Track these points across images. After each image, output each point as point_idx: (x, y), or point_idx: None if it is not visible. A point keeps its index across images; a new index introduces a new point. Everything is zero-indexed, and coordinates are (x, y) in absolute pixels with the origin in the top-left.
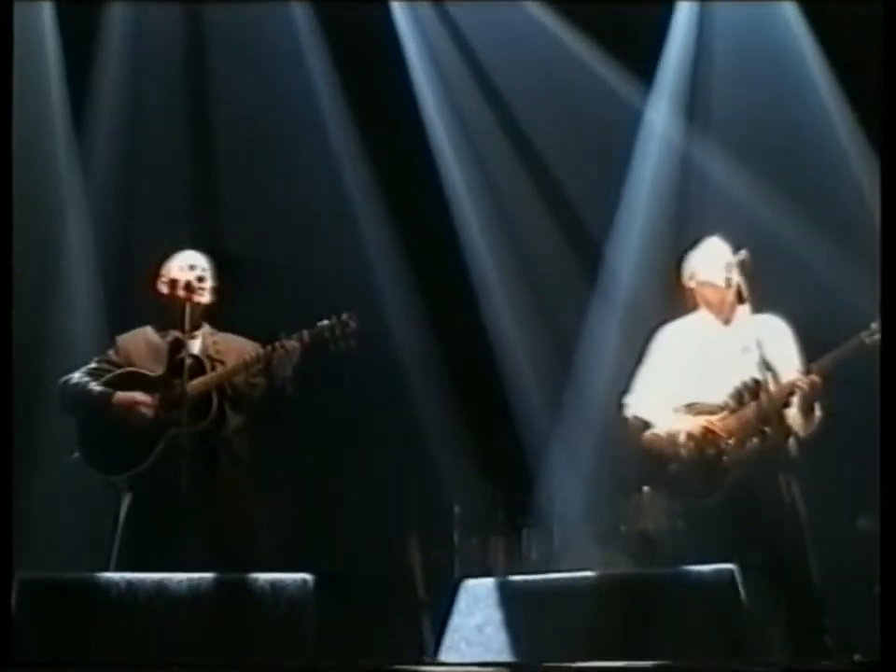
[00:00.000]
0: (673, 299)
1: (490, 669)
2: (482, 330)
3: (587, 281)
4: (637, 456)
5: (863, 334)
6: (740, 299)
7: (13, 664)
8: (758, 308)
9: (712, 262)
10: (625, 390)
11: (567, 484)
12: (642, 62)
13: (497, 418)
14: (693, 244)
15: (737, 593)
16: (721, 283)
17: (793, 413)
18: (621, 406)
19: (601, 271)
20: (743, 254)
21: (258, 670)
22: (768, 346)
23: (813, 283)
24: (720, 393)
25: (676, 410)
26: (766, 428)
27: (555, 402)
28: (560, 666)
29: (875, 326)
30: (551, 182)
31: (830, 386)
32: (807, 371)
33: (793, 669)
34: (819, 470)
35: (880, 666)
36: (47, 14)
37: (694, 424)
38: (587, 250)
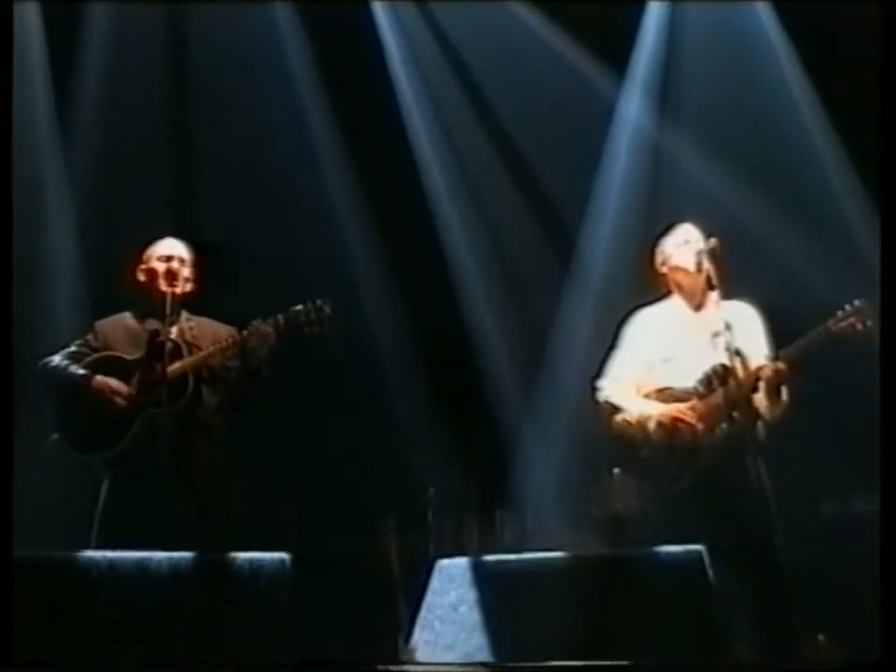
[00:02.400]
0: (646, 284)
1: (468, 669)
2: (458, 318)
3: (561, 268)
4: (609, 440)
5: (830, 322)
6: (710, 285)
7: (13, 664)
8: (728, 294)
9: (684, 248)
10: (597, 375)
11: (539, 467)
12: (616, 55)
13: (472, 404)
14: (666, 231)
15: (706, 573)
16: (693, 268)
17: (761, 399)
18: (593, 391)
19: (575, 258)
20: (713, 241)
21: (247, 668)
22: (737, 332)
23: (782, 271)
24: (690, 378)
25: (647, 395)
26: (735, 413)
27: (529, 388)
28: (536, 666)
29: (840, 314)
30: (526, 173)
31: (797, 373)
32: (775, 358)
33: (793, 669)
34: (786, 453)
35: (880, 666)
36: (31, 8)
37: (664, 410)
38: (562, 238)
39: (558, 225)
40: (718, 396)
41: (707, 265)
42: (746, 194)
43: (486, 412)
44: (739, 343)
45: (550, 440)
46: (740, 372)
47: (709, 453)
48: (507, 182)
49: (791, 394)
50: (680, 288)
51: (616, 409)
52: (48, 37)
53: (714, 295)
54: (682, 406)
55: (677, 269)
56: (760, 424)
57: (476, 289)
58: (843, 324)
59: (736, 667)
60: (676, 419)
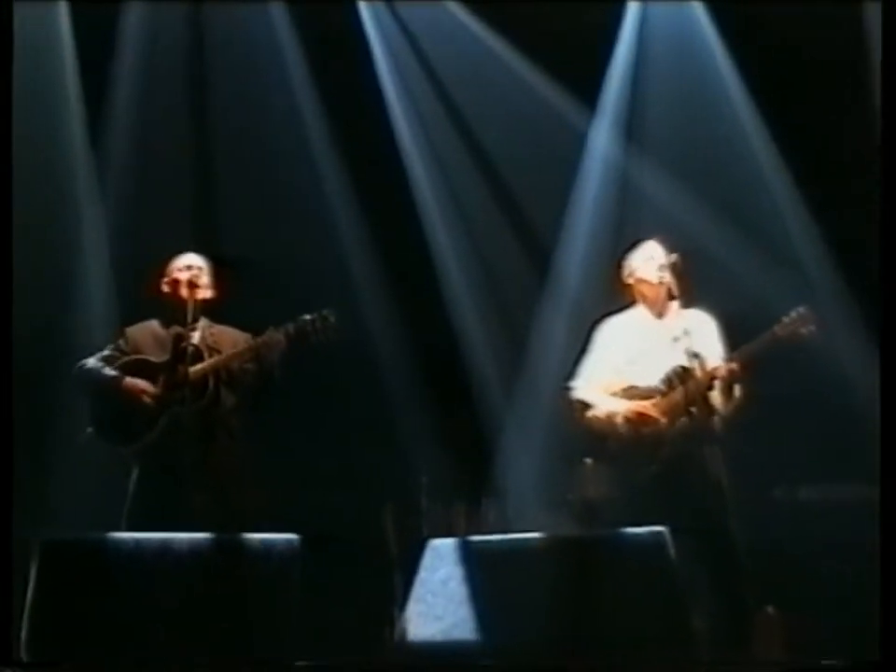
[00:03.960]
0: (614, 295)
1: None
2: (448, 326)
3: (540, 282)
4: (581, 434)
5: (776, 328)
6: (671, 295)
7: (13, 663)
8: (687, 304)
9: (648, 263)
10: (571, 376)
11: (520, 457)
12: (586, 86)
13: (461, 402)
14: (632, 247)
15: (668, 552)
16: (656, 280)
17: (716, 396)
18: (567, 390)
19: (552, 273)
20: (674, 256)
21: (249, 666)
22: (695, 337)
23: (735, 282)
24: (653, 378)
25: (614, 393)
26: (693, 409)
27: (511, 388)
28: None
29: (785, 320)
30: (507, 194)
31: (748, 372)
32: (728, 360)
33: (793, 669)
34: (741, 444)
35: (880, 666)
36: (63, 21)
37: (630, 407)
38: (540, 256)
39: (537, 244)
40: (678, 393)
41: (668, 278)
42: (703, 214)
43: (474, 409)
44: (697, 347)
45: (529, 433)
46: (698, 373)
47: (671, 444)
48: (492, 206)
49: (743, 391)
50: (645, 299)
51: (587, 406)
52: (79, 52)
53: (675, 304)
54: (646, 403)
55: (642, 281)
56: (715, 418)
57: (465, 301)
58: (787, 329)
59: (736, 668)
60: (640, 414)
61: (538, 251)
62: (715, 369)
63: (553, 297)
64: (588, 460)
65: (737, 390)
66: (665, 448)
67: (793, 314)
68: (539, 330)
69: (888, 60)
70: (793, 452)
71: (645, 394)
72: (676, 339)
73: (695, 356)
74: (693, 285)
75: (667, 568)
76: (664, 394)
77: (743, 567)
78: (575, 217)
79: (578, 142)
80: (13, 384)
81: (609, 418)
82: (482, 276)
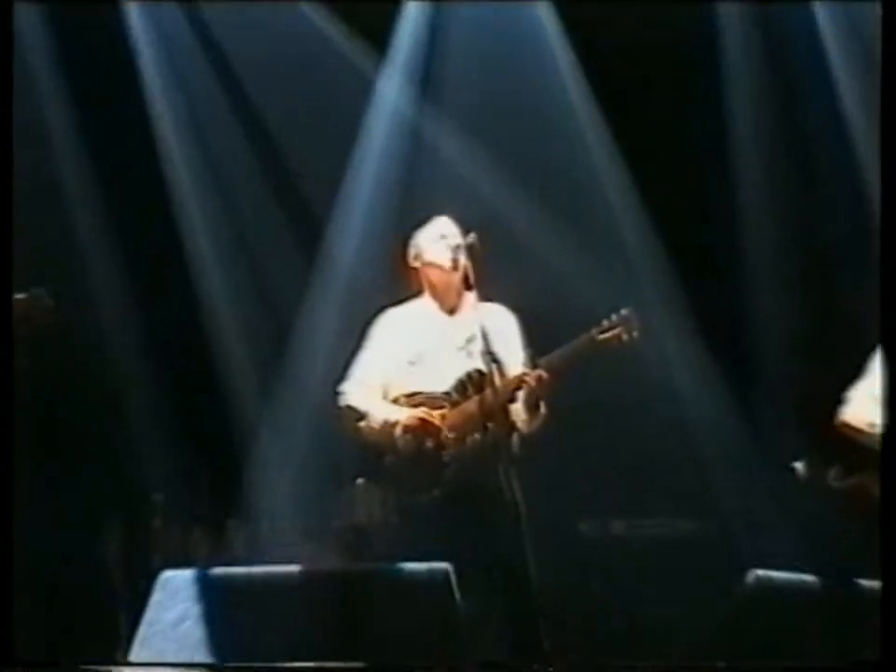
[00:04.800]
0: (397, 281)
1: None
2: (196, 313)
3: (306, 258)
4: (352, 448)
5: (594, 331)
6: (467, 284)
7: (13, 663)
8: (485, 296)
9: (439, 243)
10: (341, 378)
11: (276, 473)
12: (378, 34)
13: (204, 402)
14: (421, 224)
15: (451, 592)
16: (448, 264)
17: (518, 409)
18: (336, 395)
19: (322, 248)
20: (472, 237)
21: None
22: (494, 337)
23: (544, 275)
24: (442, 383)
25: (395, 400)
26: (489, 423)
27: (268, 387)
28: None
29: (606, 323)
30: (272, 155)
31: (559, 382)
32: (534, 366)
33: (792, 669)
34: (541, 467)
35: (880, 666)
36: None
37: (412, 415)
38: (309, 227)
39: (304, 211)
40: (472, 404)
41: (463, 262)
42: (510, 190)
43: (220, 411)
44: (497, 349)
45: (289, 444)
46: (497, 380)
47: (460, 463)
48: (251, 165)
49: (549, 405)
50: (433, 287)
51: (359, 414)
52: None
53: (470, 296)
54: (432, 412)
55: (431, 265)
56: (515, 435)
57: (218, 285)
58: (608, 334)
59: (736, 668)
60: (423, 423)
61: (306, 223)
62: (520, 376)
63: (322, 280)
64: (360, 480)
65: (542, 404)
66: (453, 468)
67: (615, 316)
68: (305, 320)
69: (888, 60)
70: (605, 477)
71: (432, 402)
72: (470, 338)
73: (494, 360)
74: (493, 274)
75: (451, 610)
76: (454, 403)
77: (541, 609)
78: (354, 184)
79: (363, 94)
80: (13, 384)
81: (387, 429)
82: (237, 251)
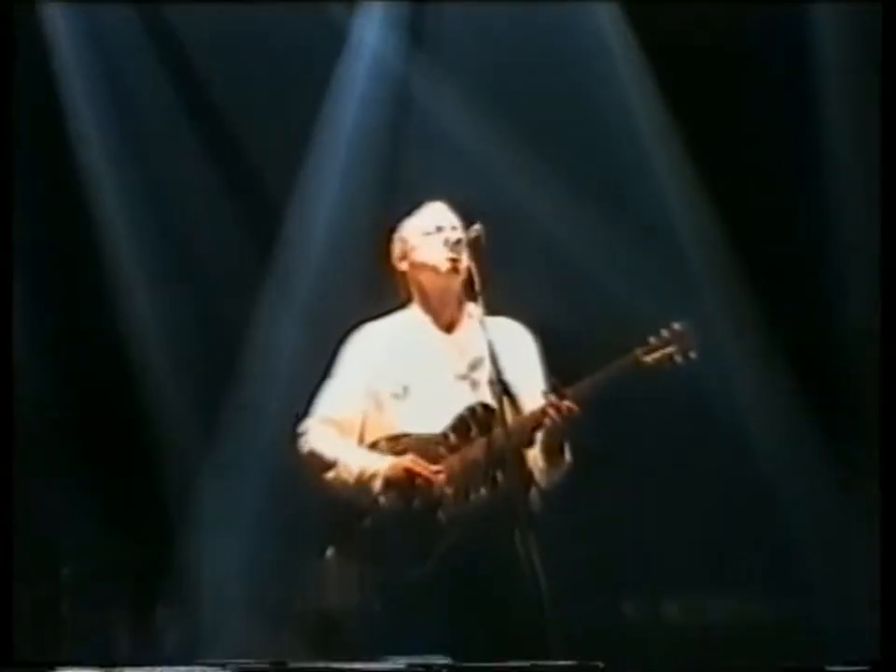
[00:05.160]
0: (377, 287)
1: None
2: (116, 322)
3: (260, 259)
4: (319, 507)
5: (638, 351)
6: (470, 292)
7: (13, 663)
8: (494, 308)
9: (434, 238)
10: (304, 414)
11: (221, 539)
12: None
13: (127, 445)
14: (410, 210)
15: None
16: (445, 265)
17: (536, 455)
18: (296, 436)
19: (280, 241)
20: (478, 229)
21: None
22: (506, 361)
23: (573, 280)
24: (436, 422)
25: (374, 444)
26: (499, 474)
27: (211, 426)
28: None
29: (654, 340)
30: (219, 123)
31: (587, 419)
32: (560, 397)
33: (793, 669)
34: (566, 530)
35: (880, 666)
36: None
37: (396, 465)
38: (263, 216)
39: (257, 196)
40: (477, 448)
41: (466, 263)
42: (530, 170)
43: (149, 456)
44: (509, 377)
45: (237, 501)
46: (509, 416)
47: (460, 528)
48: (185, 140)
49: (577, 448)
50: (426, 295)
51: (327, 462)
52: None
53: (474, 308)
54: (423, 462)
55: (423, 266)
56: (533, 490)
57: (138, 285)
58: (656, 354)
59: (735, 669)
60: (411, 473)
61: (259, 211)
62: (540, 411)
63: (279, 286)
64: (329, 550)
65: (567, 448)
66: (452, 534)
67: (666, 332)
68: (258, 339)
69: (888, 60)
70: (652, 545)
71: (423, 446)
72: (474, 362)
73: (506, 390)
74: (505, 278)
75: None
76: (453, 447)
77: None
78: (321, 160)
79: (332, 39)
80: (13, 384)
81: (363, 482)
82: (165, 248)
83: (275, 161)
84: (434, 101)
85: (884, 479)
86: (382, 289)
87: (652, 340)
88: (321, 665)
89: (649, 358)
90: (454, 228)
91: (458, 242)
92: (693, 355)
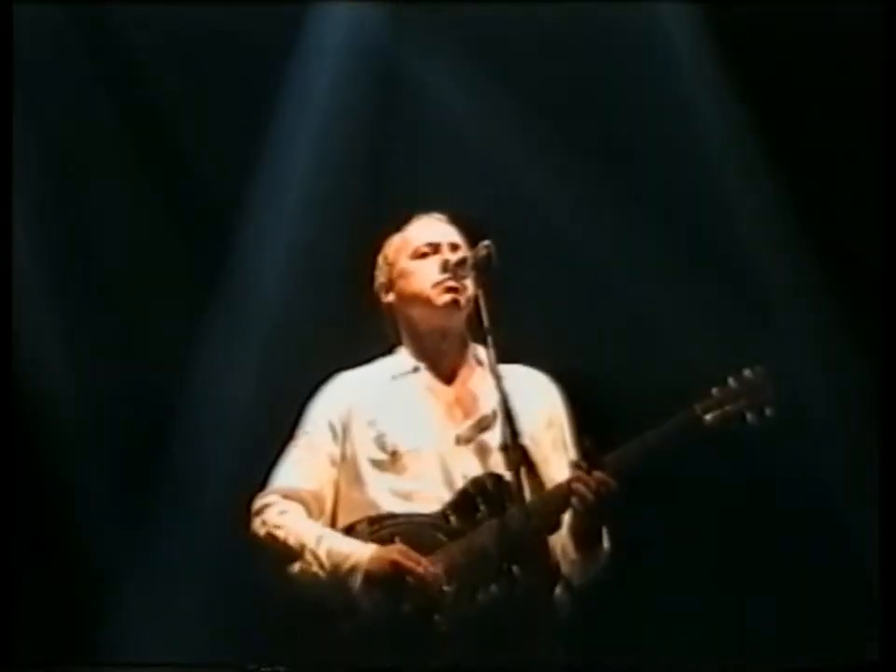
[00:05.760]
0: (356, 325)
1: None
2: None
3: (203, 287)
4: (281, 607)
5: (697, 408)
6: (479, 330)
7: (13, 663)
8: (509, 352)
9: (428, 260)
10: (262, 486)
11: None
12: None
13: (38, 522)
14: (397, 223)
15: None
16: (442, 298)
17: (566, 541)
18: (252, 514)
19: (231, 259)
20: (487, 245)
21: None
22: (524, 421)
23: (609, 314)
24: (432, 500)
25: (349, 528)
26: (514, 568)
27: (140, 495)
28: None
29: (717, 393)
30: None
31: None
32: (592, 467)
33: (793, 669)
34: (604, 640)
35: (880, 666)
36: None
37: (381, 557)
38: (210, 233)
39: (200, 210)
40: (485, 533)
41: (470, 293)
42: (556, 172)
43: (60, 534)
44: (528, 441)
45: (169, 599)
46: (527, 491)
47: (463, 638)
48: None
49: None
50: (418, 336)
51: (291, 550)
52: None
53: (482, 352)
54: (415, 553)
55: (413, 299)
56: (559, 587)
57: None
58: (722, 411)
59: (736, 668)
60: (398, 567)
61: (202, 227)
62: (567, 483)
63: (228, 322)
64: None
65: (605, 534)
66: (455, 646)
67: (733, 381)
68: (201, 389)
69: (889, 60)
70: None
71: (415, 530)
72: (482, 422)
73: (524, 457)
74: (523, 312)
75: None
76: (454, 532)
77: None
78: (280, 161)
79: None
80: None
81: (338, 578)
82: (83, 271)
83: (228, 164)
84: (428, 80)
85: (884, 478)
86: (362, 328)
87: (715, 392)
88: None
89: (710, 416)
90: (453, 247)
91: (460, 265)
92: (769, 412)
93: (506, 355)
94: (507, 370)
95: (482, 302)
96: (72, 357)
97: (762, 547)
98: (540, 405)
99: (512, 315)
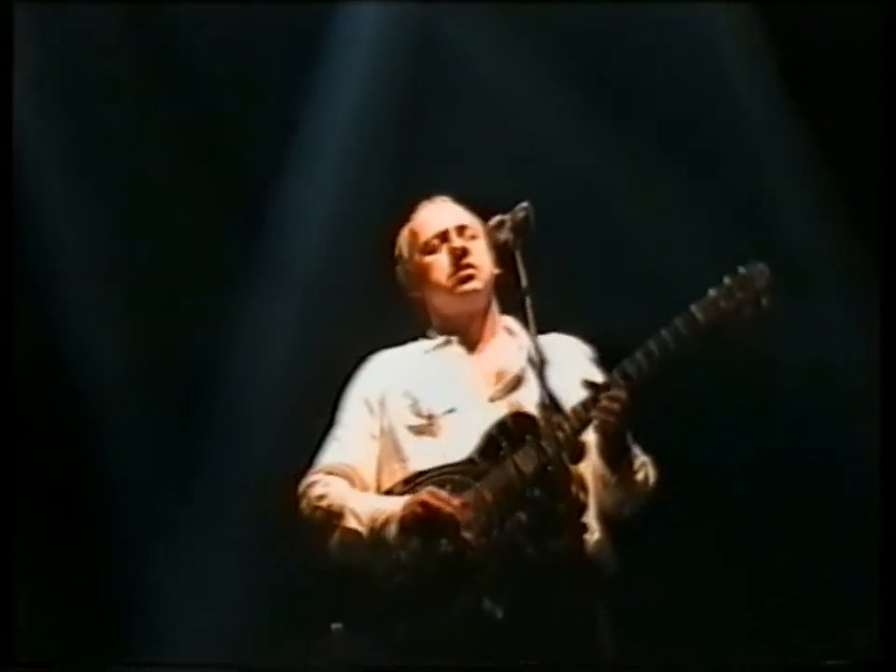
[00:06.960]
0: (389, 306)
1: None
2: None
3: (239, 263)
4: (322, 570)
5: (694, 307)
6: (516, 290)
7: (13, 663)
8: (545, 319)
9: (439, 251)
10: (309, 465)
11: (186, 621)
12: None
13: (67, 504)
14: (414, 204)
15: None
16: (459, 288)
17: (601, 471)
18: (299, 496)
19: (261, 246)
20: (525, 208)
21: None
22: (556, 378)
23: (646, 283)
24: (459, 451)
25: (388, 492)
26: (537, 492)
27: (175, 467)
28: None
29: (713, 291)
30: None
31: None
32: (606, 384)
33: (793, 669)
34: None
35: (880, 666)
36: None
37: (412, 501)
38: (243, 221)
39: (234, 198)
40: (509, 467)
41: (488, 270)
42: (604, 149)
43: (89, 515)
44: (562, 395)
45: (217, 569)
46: (555, 423)
47: (493, 565)
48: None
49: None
50: (447, 318)
51: (335, 516)
52: None
53: (509, 323)
54: (444, 493)
55: (435, 292)
56: (592, 522)
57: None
58: (716, 308)
59: (735, 669)
60: (429, 510)
61: (238, 214)
62: (585, 406)
63: (267, 295)
64: (336, 625)
65: (648, 467)
66: (482, 579)
67: (728, 279)
68: (241, 374)
69: (889, 60)
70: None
71: (446, 480)
72: (514, 382)
73: (550, 396)
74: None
75: None
76: (480, 474)
77: None
78: (306, 136)
79: None
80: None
81: (376, 532)
82: (120, 259)
83: (265, 134)
84: (463, 48)
85: (884, 478)
86: (395, 314)
87: (712, 291)
88: None
89: (706, 315)
90: (460, 230)
91: (467, 247)
92: (765, 302)
93: (540, 322)
94: (541, 338)
95: (519, 264)
96: (106, 331)
97: (761, 546)
98: (571, 360)
99: (545, 281)
